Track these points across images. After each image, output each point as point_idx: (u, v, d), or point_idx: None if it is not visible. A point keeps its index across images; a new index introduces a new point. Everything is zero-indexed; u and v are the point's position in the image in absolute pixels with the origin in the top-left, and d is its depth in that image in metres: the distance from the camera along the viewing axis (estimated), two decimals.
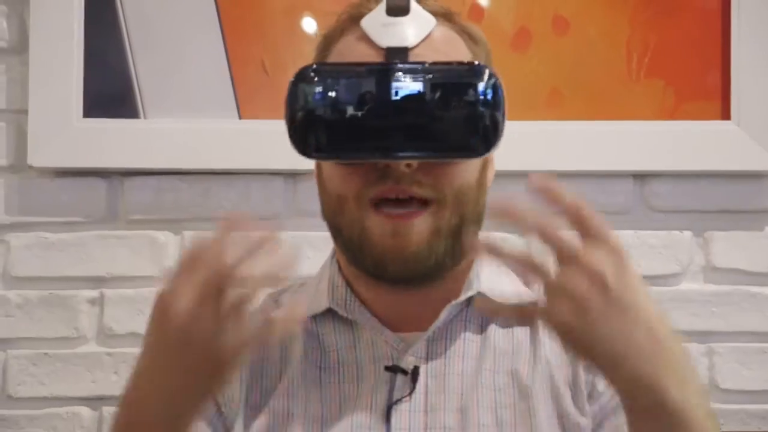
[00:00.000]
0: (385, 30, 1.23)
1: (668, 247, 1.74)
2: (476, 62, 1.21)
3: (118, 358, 1.73)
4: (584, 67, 1.74)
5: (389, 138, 1.18)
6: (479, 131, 1.17)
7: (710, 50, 1.74)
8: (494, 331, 1.28)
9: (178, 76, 1.75)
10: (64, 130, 1.73)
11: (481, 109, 1.17)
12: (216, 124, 1.73)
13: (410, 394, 1.23)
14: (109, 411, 1.71)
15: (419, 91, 1.17)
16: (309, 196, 1.73)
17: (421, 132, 1.18)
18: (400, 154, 1.18)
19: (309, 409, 1.25)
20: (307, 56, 1.72)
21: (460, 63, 1.21)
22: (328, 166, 1.25)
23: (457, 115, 1.17)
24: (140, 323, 1.72)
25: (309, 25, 1.75)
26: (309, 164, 1.67)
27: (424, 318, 1.27)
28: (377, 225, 1.21)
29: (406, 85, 1.17)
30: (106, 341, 1.74)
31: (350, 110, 1.18)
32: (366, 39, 1.24)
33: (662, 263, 1.73)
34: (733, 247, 1.74)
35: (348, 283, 1.29)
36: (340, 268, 1.31)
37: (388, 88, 1.17)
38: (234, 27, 1.75)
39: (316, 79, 1.20)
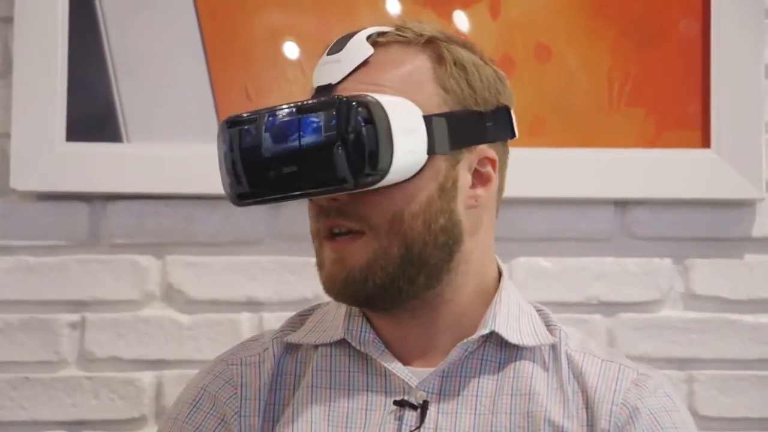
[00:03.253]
0: (320, 70, 1.28)
1: (648, 274, 1.74)
2: (337, 96, 1.22)
3: (99, 383, 1.72)
4: (566, 95, 1.75)
5: (269, 179, 1.22)
6: (340, 163, 1.19)
7: (691, 79, 1.75)
8: (512, 371, 1.28)
9: (162, 100, 1.75)
10: (47, 154, 1.73)
11: (333, 141, 1.19)
12: (199, 149, 1.73)
13: (418, 428, 1.23)
14: None
15: (284, 132, 1.21)
16: (291, 220, 1.74)
17: (296, 170, 1.21)
18: (283, 195, 1.23)
19: (315, 429, 1.26)
20: (290, 81, 1.75)
21: (320, 100, 1.22)
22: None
23: (320, 150, 1.20)
24: (121, 347, 1.73)
25: (291, 50, 1.76)
26: None
27: (437, 353, 1.28)
28: (327, 253, 1.26)
29: (274, 128, 1.21)
30: (87, 365, 1.73)
31: (236, 159, 1.24)
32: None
33: (642, 290, 1.74)
34: (712, 275, 1.74)
35: (364, 313, 1.30)
36: None
37: (262, 132, 1.22)
38: (218, 53, 1.76)
39: (220, 132, 1.26)
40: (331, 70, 1.26)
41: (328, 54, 1.27)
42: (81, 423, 1.72)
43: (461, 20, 1.75)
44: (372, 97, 1.21)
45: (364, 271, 1.24)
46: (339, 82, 1.25)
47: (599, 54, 1.75)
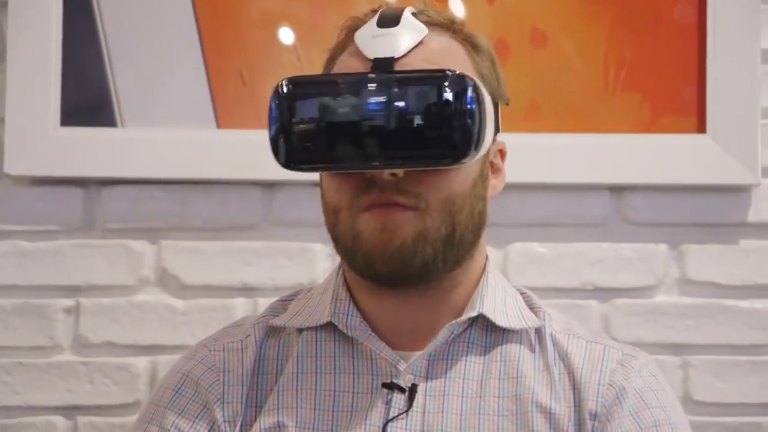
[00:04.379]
0: (374, 41, 1.23)
1: (644, 260, 1.74)
2: (447, 70, 1.19)
3: (93, 368, 1.72)
4: (562, 81, 1.75)
5: (361, 148, 1.18)
6: (448, 139, 1.17)
7: (686, 65, 1.75)
8: (498, 354, 1.28)
9: (157, 85, 1.75)
10: (42, 139, 1.72)
11: (449, 115, 1.17)
12: (194, 134, 1.73)
13: (407, 412, 1.23)
14: (83, 421, 1.71)
15: (387, 101, 1.18)
16: (286, 206, 1.74)
17: (391, 141, 1.18)
18: (371, 164, 1.19)
19: (301, 415, 1.25)
20: (285, 66, 1.74)
21: (431, 71, 1.20)
22: (326, 179, 1.26)
23: (426, 122, 1.17)
24: (116, 333, 1.72)
25: (286, 35, 1.75)
26: (287, 174, 1.68)
27: (425, 336, 1.27)
28: (366, 223, 1.22)
29: (375, 95, 1.18)
30: (82, 351, 1.73)
31: (321, 123, 1.19)
32: (358, 52, 1.25)
33: (637, 276, 1.74)
34: (708, 260, 1.74)
35: (351, 296, 1.29)
36: (345, 279, 1.31)
37: (358, 98, 1.18)
38: (213, 38, 1.75)
39: (291, 92, 1.21)
40: (391, 43, 1.22)
41: (379, 26, 1.24)
42: (75, 408, 1.72)
43: (457, 5, 1.75)
44: (470, 76, 1.19)
45: (415, 243, 1.21)
46: (401, 57, 1.22)
47: (595, 39, 1.75)
